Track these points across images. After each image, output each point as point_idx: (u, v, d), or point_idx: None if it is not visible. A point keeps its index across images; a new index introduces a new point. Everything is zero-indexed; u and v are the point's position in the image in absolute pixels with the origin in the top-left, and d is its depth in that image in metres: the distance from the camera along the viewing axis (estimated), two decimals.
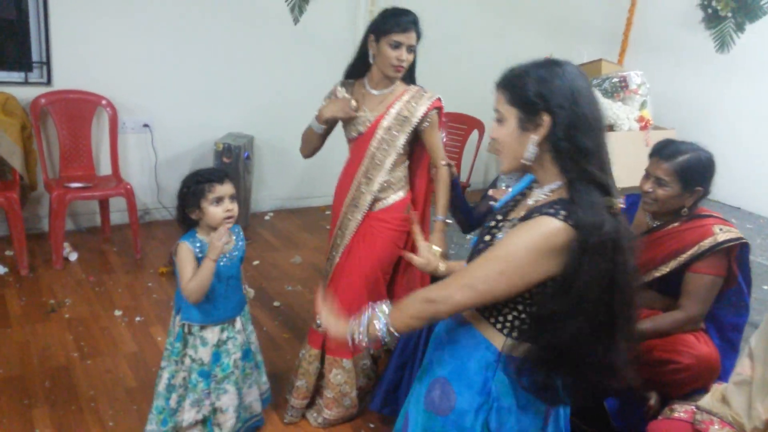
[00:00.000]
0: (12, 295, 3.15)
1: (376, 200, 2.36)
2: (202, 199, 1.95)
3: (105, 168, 3.94)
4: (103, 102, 3.80)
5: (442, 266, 1.72)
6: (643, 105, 3.66)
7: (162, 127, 4.11)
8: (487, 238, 1.41)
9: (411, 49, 2.25)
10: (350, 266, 2.38)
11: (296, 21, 4.36)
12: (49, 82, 3.69)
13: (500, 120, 1.37)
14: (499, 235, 1.39)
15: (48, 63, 3.66)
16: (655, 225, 2.20)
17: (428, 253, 1.76)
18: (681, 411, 1.94)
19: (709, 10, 4.52)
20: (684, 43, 4.71)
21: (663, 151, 2.12)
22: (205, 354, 2.06)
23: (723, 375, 2.11)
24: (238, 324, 2.14)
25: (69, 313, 3.04)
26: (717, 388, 1.93)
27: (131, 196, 3.62)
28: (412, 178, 2.45)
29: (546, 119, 1.29)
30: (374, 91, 2.34)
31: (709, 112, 4.53)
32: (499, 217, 1.45)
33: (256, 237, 4.25)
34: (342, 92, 2.39)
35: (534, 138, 1.31)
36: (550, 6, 5.22)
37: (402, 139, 2.30)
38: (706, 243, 2.06)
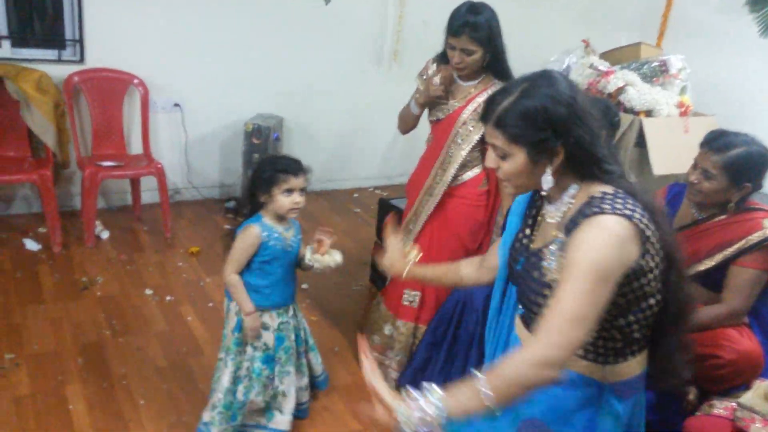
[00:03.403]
0: (45, 272, 3.19)
1: (453, 177, 2.40)
2: (274, 187, 1.99)
3: (136, 147, 3.95)
4: (135, 81, 3.80)
5: (405, 273, 1.64)
6: (683, 90, 3.53)
7: (193, 107, 4.10)
8: (536, 274, 1.30)
9: (468, 52, 2.21)
10: (432, 251, 2.40)
11: (327, 1, 4.30)
12: (81, 60, 3.70)
13: (504, 156, 1.26)
14: (547, 263, 1.28)
15: (81, 41, 3.67)
16: (700, 217, 2.13)
17: (396, 253, 1.66)
18: (721, 407, 1.89)
19: None
20: (726, 26, 4.54)
21: (714, 142, 2.04)
22: (269, 338, 2.10)
23: (765, 372, 2.04)
24: (291, 311, 2.18)
25: (101, 291, 3.07)
26: (759, 385, 1.88)
27: (162, 175, 3.63)
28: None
29: (560, 149, 1.22)
30: (461, 82, 2.36)
31: (751, 99, 4.37)
32: (534, 248, 1.36)
33: None
34: (433, 68, 2.40)
35: (549, 169, 1.24)
36: None
37: (477, 135, 2.31)
38: (755, 237, 1.99)
